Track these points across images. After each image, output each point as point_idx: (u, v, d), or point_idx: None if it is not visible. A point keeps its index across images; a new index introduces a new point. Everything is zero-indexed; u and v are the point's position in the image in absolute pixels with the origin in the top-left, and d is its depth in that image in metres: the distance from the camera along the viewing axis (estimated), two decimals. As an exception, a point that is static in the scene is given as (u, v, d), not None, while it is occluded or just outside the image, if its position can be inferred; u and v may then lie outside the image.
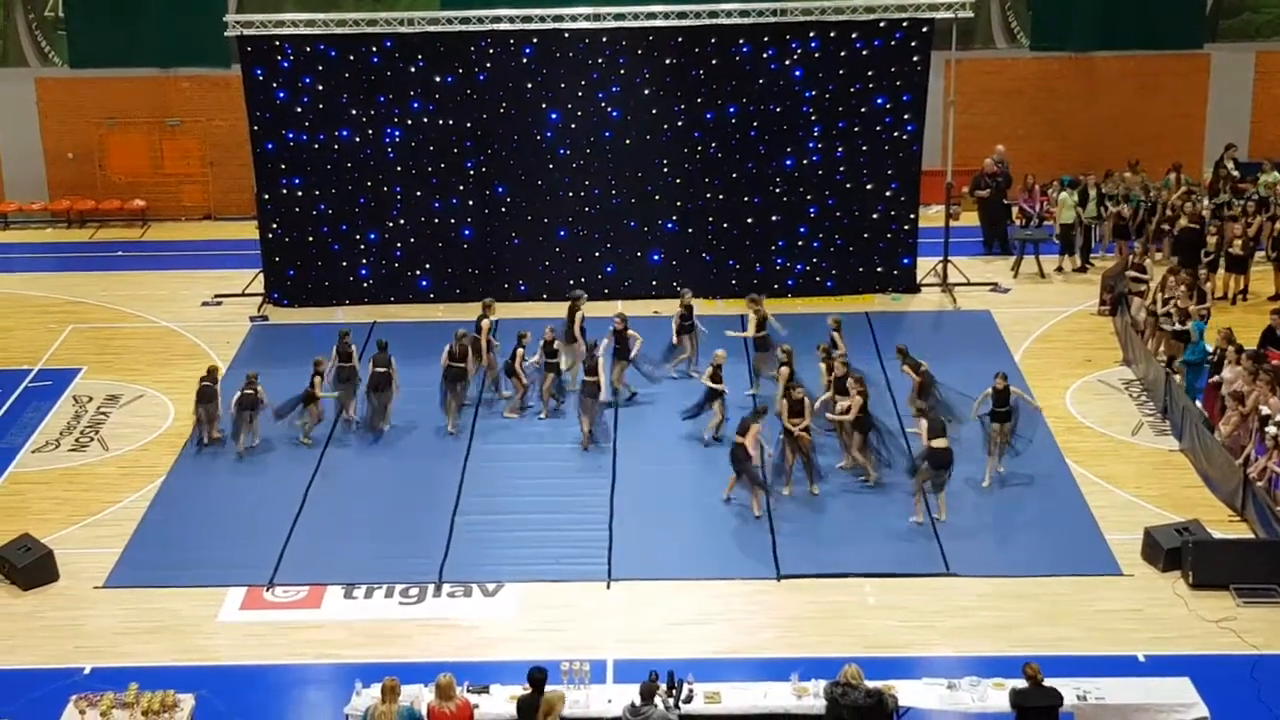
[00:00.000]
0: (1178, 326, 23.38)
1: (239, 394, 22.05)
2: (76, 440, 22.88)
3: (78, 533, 20.28)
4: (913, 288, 27.61)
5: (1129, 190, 28.41)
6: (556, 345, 22.98)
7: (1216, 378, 21.90)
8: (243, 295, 27.85)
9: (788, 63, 26.30)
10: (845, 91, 26.41)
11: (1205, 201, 28.06)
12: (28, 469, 22.09)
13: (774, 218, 27.19)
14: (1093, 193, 28.47)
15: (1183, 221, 27.09)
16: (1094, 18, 31.12)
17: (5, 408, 23.95)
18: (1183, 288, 24.05)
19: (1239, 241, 26.42)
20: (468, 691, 15.33)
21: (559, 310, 24.23)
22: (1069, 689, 15.18)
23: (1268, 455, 19.72)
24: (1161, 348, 23.82)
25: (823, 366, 22.19)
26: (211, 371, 22.85)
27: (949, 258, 27.77)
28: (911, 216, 27.28)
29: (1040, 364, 24.57)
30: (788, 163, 26.88)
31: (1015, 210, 29.83)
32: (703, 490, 21.04)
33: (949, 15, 26.16)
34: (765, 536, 19.79)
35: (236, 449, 22.01)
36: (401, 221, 27.27)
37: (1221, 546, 18.95)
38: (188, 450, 22.25)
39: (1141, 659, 17.20)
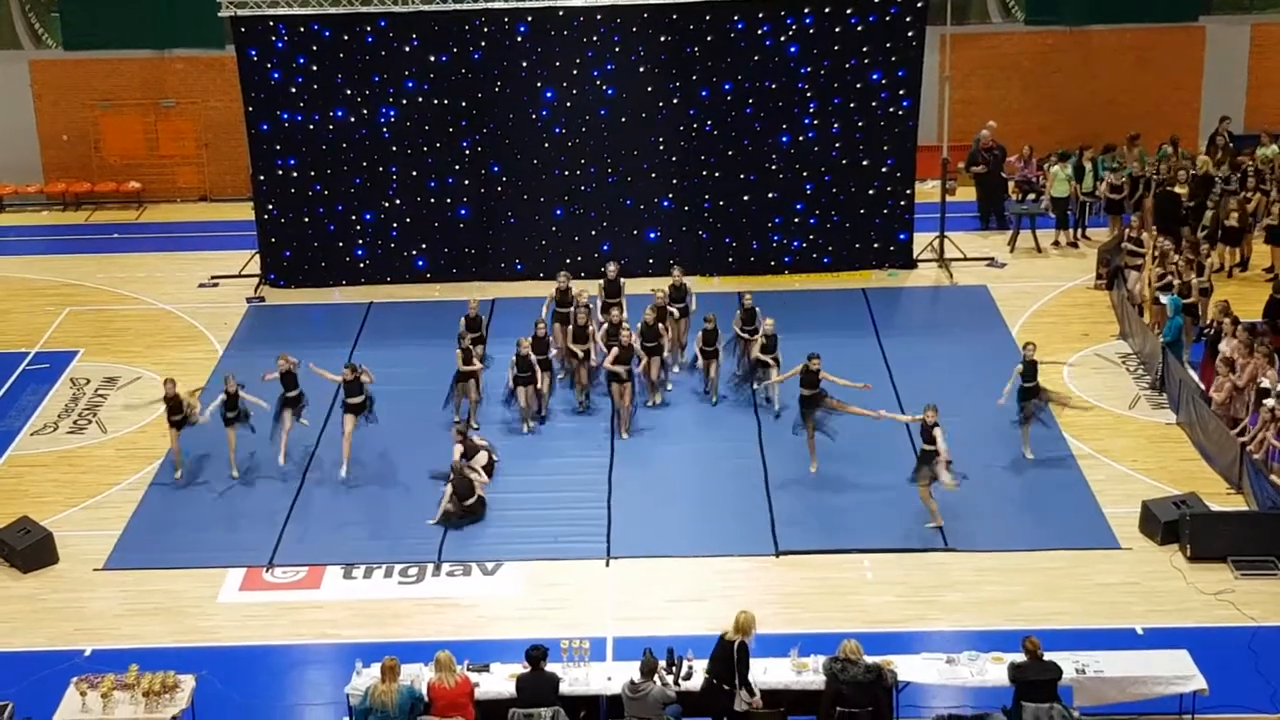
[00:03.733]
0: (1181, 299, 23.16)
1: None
2: (75, 423, 22.88)
3: (77, 515, 20.30)
4: (909, 263, 27.58)
5: (1123, 164, 28.39)
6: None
7: (1220, 349, 21.84)
8: (239, 276, 27.82)
9: (783, 39, 26.23)
10: (841, 68, 26.35)
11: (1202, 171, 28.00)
12: (26, 451, 22.10)
13: (770, 195, 27.15)
14: (1089, 166, 28.45)
15: (1171, 188, 27.09)
16: (1089, -9, 31.13)
17: (3, 390, 23.94)
18: (1183, 261, 24.02)
19: (1234, 214, 26.38)
20: (468, 670, 15.37)
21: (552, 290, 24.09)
22: (1068, 662, 15.22)
23: (1261, 427, 19.74)
24: (1158, 321, 23.81)
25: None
26: (172, 391, 20.93)
27: (945, 233, 27.75)
28: (908, 192, 27.24)
29: (1037, 338, 24.34)
30: (784, 139, 26.84)
31: (1011, 185, 29.82)
32: (701, 467, 21.07)
33: (943, -10, 26.15)
34: (764, 513, 19.81)
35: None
36: (397, 201, 27.24)
37: (1219, 519, 18.97)
38: (186, 431, 22.18)
39: (1140, 632, 17.23)
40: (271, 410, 21.21)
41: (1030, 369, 20.82)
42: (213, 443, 21.49)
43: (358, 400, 20.97)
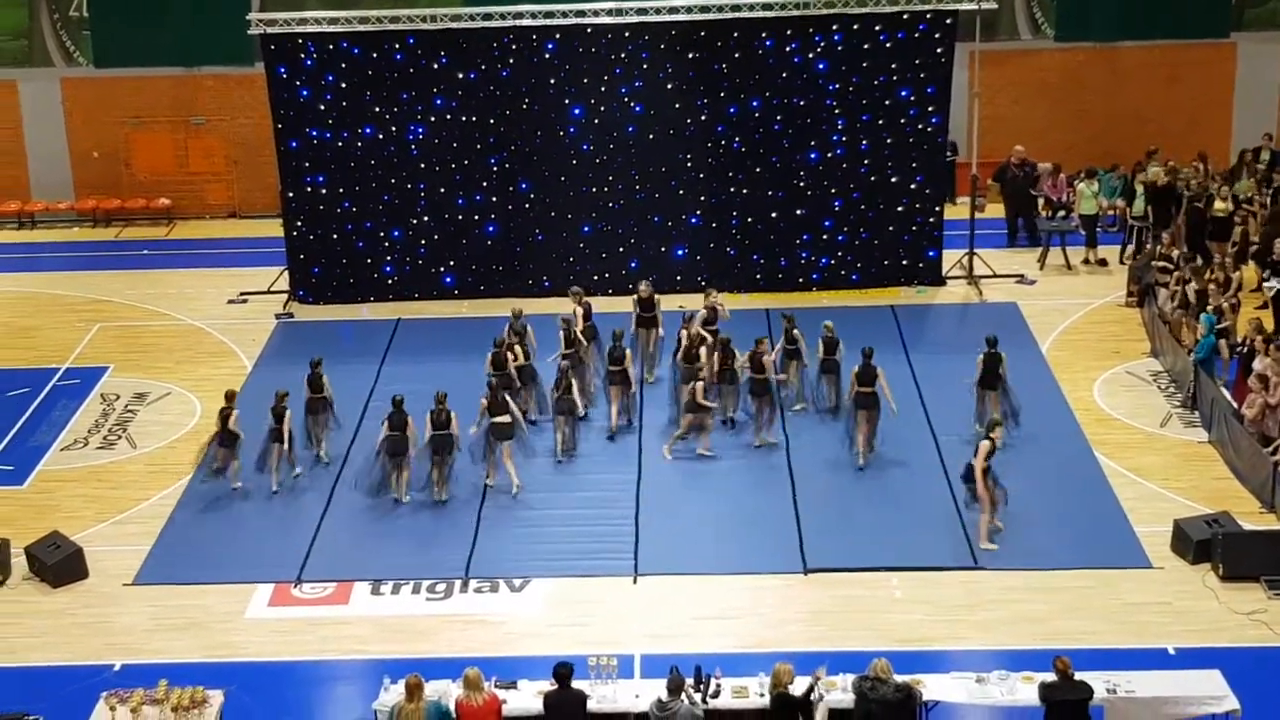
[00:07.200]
0: (1216, 323, 22.98)
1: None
2: (104, 438, 22.97)
3: (107, 530, 20.36)
4: (938, 280, 27.51)
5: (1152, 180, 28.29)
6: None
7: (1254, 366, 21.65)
8: (268, 293, 27.92)
9: (811, 56, 26.23)
10: (869, 84, 26.32)
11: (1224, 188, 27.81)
12: (57, 467, 22.19)
13: (798, 211, 27.12)
14: (1139, 189, 28.11)
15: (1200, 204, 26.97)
16: (1118, 7, 30.93)
17: (34, 406, 24.05)
18: (1213, 285, 23.84)
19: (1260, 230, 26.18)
20: (495, 687, 15.34)
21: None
22: (1099, 682, 15.10)
23: (1295, 445, 19.63)
24: (1190, 339, 23.67)
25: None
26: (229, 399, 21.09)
27: (975, 250, 27.67)
28: (936, 209, 27.18)
29: (1067, 356, 24.47)
30: (812, 156, 26.81)
31: (1041, 202, 29.71)
32: (729, 483, 21.02)
33: (973, 7, 26.04)
34: (792, 530, 19.75)
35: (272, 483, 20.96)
36: (425, 218, 27.30)
37: (1252, 538, 18.84)
38: (213, 449, 22.20)
39: (1172, 652, 17.11)
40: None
41: (992, 361, 20.76)
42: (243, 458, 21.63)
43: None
